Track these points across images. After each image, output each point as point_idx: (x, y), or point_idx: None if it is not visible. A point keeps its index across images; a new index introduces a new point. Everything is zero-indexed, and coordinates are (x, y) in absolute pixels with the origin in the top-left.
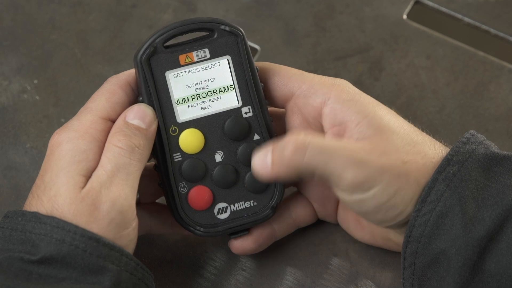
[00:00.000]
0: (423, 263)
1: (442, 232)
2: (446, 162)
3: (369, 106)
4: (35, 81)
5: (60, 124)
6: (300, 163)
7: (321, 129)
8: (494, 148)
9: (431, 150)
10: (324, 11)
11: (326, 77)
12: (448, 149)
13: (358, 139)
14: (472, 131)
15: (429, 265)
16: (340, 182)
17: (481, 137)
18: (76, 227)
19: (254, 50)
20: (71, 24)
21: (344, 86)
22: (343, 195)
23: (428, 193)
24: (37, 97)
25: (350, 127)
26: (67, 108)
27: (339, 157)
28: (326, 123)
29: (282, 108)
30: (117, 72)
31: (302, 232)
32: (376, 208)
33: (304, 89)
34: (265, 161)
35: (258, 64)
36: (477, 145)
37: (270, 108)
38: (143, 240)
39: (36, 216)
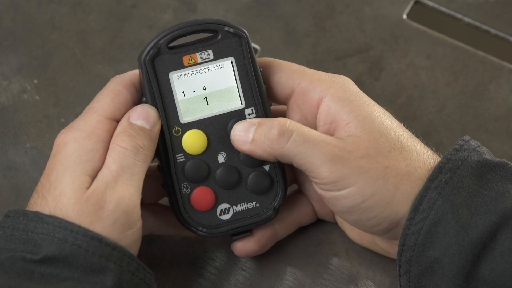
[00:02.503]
0: (418, 271)
1: (435, 240)
2: (438, 170)
3: (363, 107)
4: (35, 81)
5: (60, 124)
6: (280, 149)
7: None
8: (488, 155)
9: (418, 158)
10: (324, 11)
11: (327, 73)
12: (438, 158)
13: (346, 137)
14: (466, 137)
15: (424, 273)
16: (316, 176)
17: (474, 143)
18: (79, 226)
19: (254, 50)
20: (71, 24)
21: (343, 84)
22: (319, 190)
23: (421, 201)
24: (37, 97)
25: (341, 126)
26: (67, 108)
27: (320, 150)
28: (320, 120)
29: (285, 105)
30: (117, 72)
31: (302, 232)
32: (350, 208)
33: (304, 86)
34: (246, 135)
35: (259, 59)
36: (470, 152)
37: (272, 107)
38: (143, 240)
39: (38, 216)
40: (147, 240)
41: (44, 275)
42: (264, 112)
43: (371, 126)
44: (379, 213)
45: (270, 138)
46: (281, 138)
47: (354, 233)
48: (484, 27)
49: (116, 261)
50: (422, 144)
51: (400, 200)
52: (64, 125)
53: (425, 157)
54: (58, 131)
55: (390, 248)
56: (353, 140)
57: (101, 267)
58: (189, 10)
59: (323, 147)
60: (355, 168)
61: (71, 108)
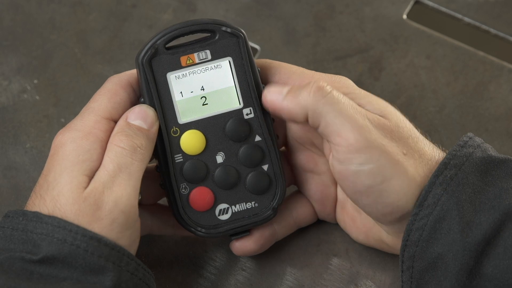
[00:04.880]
0: (421, 267)
1: (439, 236)
2: (443, 166)
3: (370, 97)
4: (35, 81)
5: (60, 124)
6: (316, 102)
7: None
8: (492, 151)
9: (429, 151)
10: (324, 11)
11: (326, 74)
12: (444, 153)
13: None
14: (470, 134)
15: (427, 269)
16: (342, 141)
17: (478, 140)
18: (78, 227)
19: (254, 50)
20: (71, 24)
21: (343, 83)
22: (338, 165)
23: (426, 197)
24: (37, 97)
25: None
26: (67, 108)
27: (353, 115)
28: None
29: None
30: (117, 72)
31: (302, 232)
32: (369, 188)
33: None
34: (280, 91)
35: (257, 61)
36: (475, 149)
37: None
38: (143, 240)
39: (38, 216)
40: (147, 240)
41: (43, 275)
42: (263, 112)
43: (388, 112)
44: (395, 201)
45: (307, 90)
46: (319, 92)
47: (359, 233)
48: (484, 27)
49: (115, 261)
50: (428, 140)
51: (416, 193)
52: (64, 125)
53: (434, 150)
54: (58, 131)
55: (398, 244)
56: (378, 119)
57: (100, 267)
58: (189, 10)
59: (356, 113)
60: (379, 146)
61: (71, 108)
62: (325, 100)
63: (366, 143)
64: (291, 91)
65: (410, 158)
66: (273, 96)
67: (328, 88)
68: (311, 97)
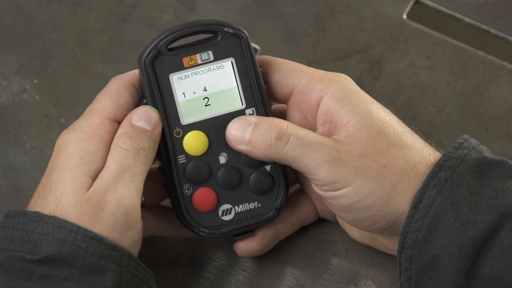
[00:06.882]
0: (418, 268)
1: (435, 238)
2: (438, 167)
3: (362, 106)
4: (35, 81)
5: (60, 124)
6: (278, 153)
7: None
8: (487, 153)
9: (417, 155)
10: (324, 11)
11: (326, 72)
12: (438, 154)
13: (344, 138)
14: (465, 136)
15: (424, 271)
16: (314, 178)
17: (474, 142)
18: (78, 227)
19: (254, 50)
20: (71, 24)
21: (342, 83)
22: (317, 190)
23: (420, 199)
24: (37, 97)
25: (340, 126)
26: (67, 108)
27: (317, 153)
28: (319, 119)
29: (285, 104)
30: (117, 72)
31: (302, 232)
32: (347, 207)
33: (303, 85)
34: (242, 135)
35: (258, 58)
36: (470, 150)
37: (273, 107)
38: (143, 240)
39: (38, 216)
40: (148, 240)
41: (43, 275)
42: (265, 112)
43: (369, 125)
44: (375, 212)
45: (267, 142)
46: (279, 143)
47: (354, 231)
48: (484, 27)
49: (116, 261)
50: (422, 140)
51: (397, 198)
52: (64, 125)
53: (424, 153)
54: (58, 131)
55: (390, 244)
56: (350, 140)
57: (100, 267)
58: (189, 10)
59: (320, 149)
60: (352, 168)
61: (71, 108)
62: (286, 149)
63: (337, 174)
64: (253, 137)
65: (391, 167)
66: (235, 139)
67: (288, 131)
68: (272, 149)
